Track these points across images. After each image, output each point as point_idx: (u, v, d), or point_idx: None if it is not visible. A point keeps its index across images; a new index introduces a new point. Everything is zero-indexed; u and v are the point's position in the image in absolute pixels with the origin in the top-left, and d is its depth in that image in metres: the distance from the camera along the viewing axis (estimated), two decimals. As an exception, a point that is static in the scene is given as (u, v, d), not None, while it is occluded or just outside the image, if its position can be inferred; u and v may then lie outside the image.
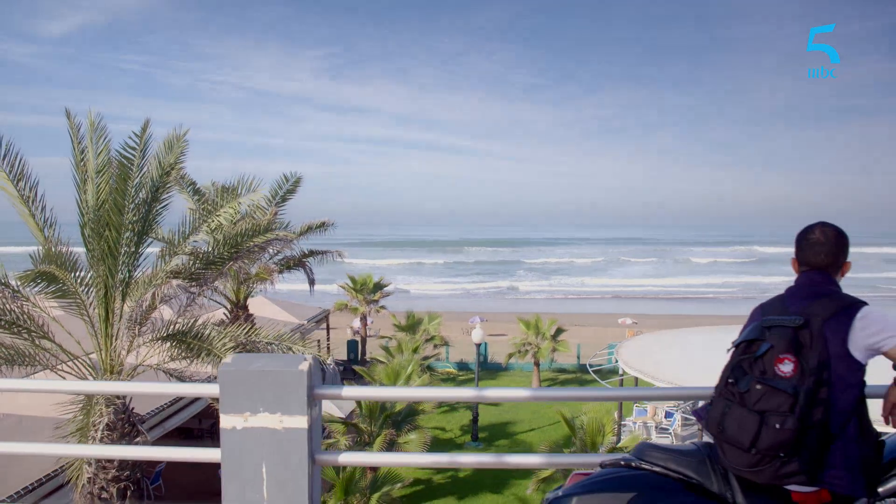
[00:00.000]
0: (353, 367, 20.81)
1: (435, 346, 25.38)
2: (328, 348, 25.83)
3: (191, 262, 9.02)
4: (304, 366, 2.93)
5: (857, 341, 2.27)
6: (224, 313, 13.28)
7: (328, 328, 26.65)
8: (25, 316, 7.96)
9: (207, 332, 8.02)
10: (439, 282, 57.45)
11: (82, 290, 7.82)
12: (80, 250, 8.37)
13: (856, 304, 2.33)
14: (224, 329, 9.87)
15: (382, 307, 28.08)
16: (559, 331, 25.20)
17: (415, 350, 21.45)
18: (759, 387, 2.23)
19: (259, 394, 2.92)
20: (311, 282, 14.97)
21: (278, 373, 2.93)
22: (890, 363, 2.33)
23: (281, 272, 13.72)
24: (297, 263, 13.98)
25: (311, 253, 14.17)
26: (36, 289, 7.48)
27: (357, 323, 28.89)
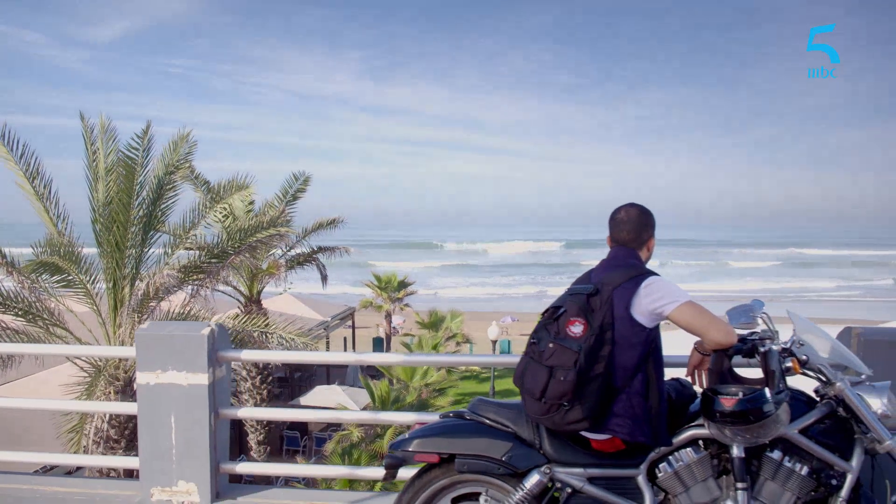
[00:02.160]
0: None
1: (457, 344, 25.79)
2: (353, 345, 26.45)
3: (196, 256, 9.65)
4: (206, 331, 3.40)
5: (641, 306, 2.63)
6: (238, 308, 13.93)
7: (353, 325, 27.27)
8: (39, 304, 8.65)
9: (197, 321, 8.62)
10: (475, 283, 57.66)
11: (87, 281, 8.43)
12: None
13: (644, 274, 2.69)
14: (229, 320, 10.50)
15: (406, 305, 28.62)
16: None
17: (434, 347, 21.88)
18: (551, 345, 2.61)
19: (168, 354, 3.41)
20: (324, 277, 15.57)
21: (184, 336, 3.41)
22: None
23: (291, 268, 14.30)
24: (306, 259, 14.55)
25: (321, 249, 14.73)
26: (47, 279, 8.12)
27: (397, 320, 29.51)
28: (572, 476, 2.70)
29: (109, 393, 8.73)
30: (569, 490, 2.70)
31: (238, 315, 11.88)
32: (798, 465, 2.63)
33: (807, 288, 51.99)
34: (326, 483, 9.38)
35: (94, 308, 8.94)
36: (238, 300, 14.26)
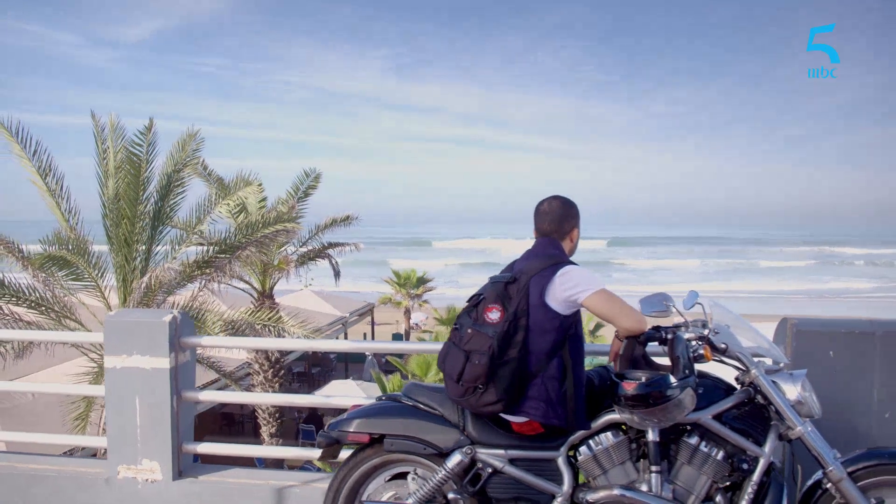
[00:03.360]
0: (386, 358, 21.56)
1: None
2: (373, 340, 26.72)
3: (204, 251, 9.91)
4: (168, 318, 3.59)
5: (556, 294, 2.74)
6: (251, 302, 14.20)
7: (373, 322, 27.56)
8: (52, 297, 8.97)
9: (202, 314, 8.88)
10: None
11: (96, 274, 8.73)
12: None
13: (561, 263, 2.80)
14: (241, 314, 10.76)
15: (425, 301, 28.81)
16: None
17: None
18: (469, 331, 2.75)
19: (133, 339, 3.60)
20: (337, 273, 15.76)
21: (147, 323, 3.60)
22: None
23: (303, 264, 14.53)
24: (317, 255, 14.77)
25: (331, 245, 14.94)
26: (56, 272, 8.42)
27: (420, 316, 29.71)
28: (493, 457, 2.83)
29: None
30: (489, 470, 2.83)
31: (251, 309, 12.15)
32: (714, 450, 2.72)
33: (847, 289, 50.50)
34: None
35: (104, 301, 9.25)
36: (252, 295, 14.52)
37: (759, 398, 2.77)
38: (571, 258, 2.99)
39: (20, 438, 4.16)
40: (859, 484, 2.67)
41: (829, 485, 2.69)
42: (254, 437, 16.69)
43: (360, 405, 3.11)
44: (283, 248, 14.43)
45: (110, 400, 3.66)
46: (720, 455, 2.72)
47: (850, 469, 2.67)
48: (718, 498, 2.75)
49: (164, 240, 9.99)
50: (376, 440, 2.94)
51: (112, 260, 9.46)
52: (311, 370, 23.24)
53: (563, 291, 2.72)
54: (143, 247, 9.53)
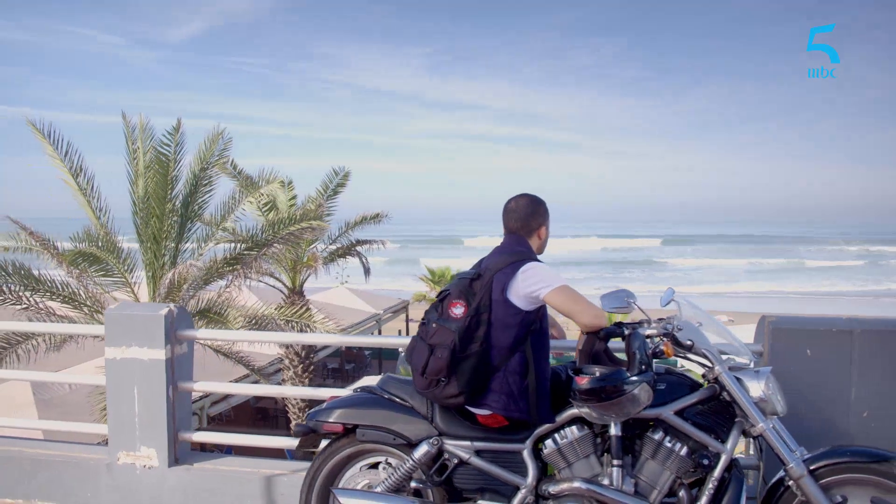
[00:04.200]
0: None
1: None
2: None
3: (230, 248, 10.16)
4: (164, 311, 3.74)
5: (518, 290, 2.81)
6: (282, 298, 14.48)
7: (407, 318, 27.74)
8: (85, 292, 9.31)
9: (224, 309, 9.13)
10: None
11: (125, 270, 9.04)
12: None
13: (524, 260, 2.86)
14: (280, 310, 11.00)
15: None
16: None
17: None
18: (434, 325, 2.83)
19: (132, 332, 3.77)
20: (367, 270, 15.96)
21: (144, 316, 3.76)
22: None
23: (332, 261, 14.75)
24: (346, 252, 14.98)
25: (359, 242, 15.13)
26: (86, 268, 8.74)
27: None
28: (460, 448, 2.90)
29: None
30: (456, 461, 2.91)
31: (279, 305, 12.41)
32: (677, 446, 2.75)
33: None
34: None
35: (134, 296, 9.55)
36: (282, 291, 14.80)
37: (725, 395, 2.79)
38: (540, 255, 3.06)
39: (23, 425, 4.37)
40: (823, 482, 2.67)
41: (790, 482, 2.70)
42: (286, 430, 17.00)
43: (337, 396, 3.22)
44: (312, 246, 14.67)
45: (111, 389, 3.83)
46: (683, 451, 2.74)
47: (812, 467, 2.67)
48: (682, 493, 2.77)
49: (192, 237, 10.28)
50: (350, 430, 3.04)
51: (142, 256, 9.77)
52: (344, 366, 23.54)
53: (524, 287, 2.79)
54: (172, 243, 9.82)
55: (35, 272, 8.91)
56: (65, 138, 9.25)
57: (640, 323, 2.88)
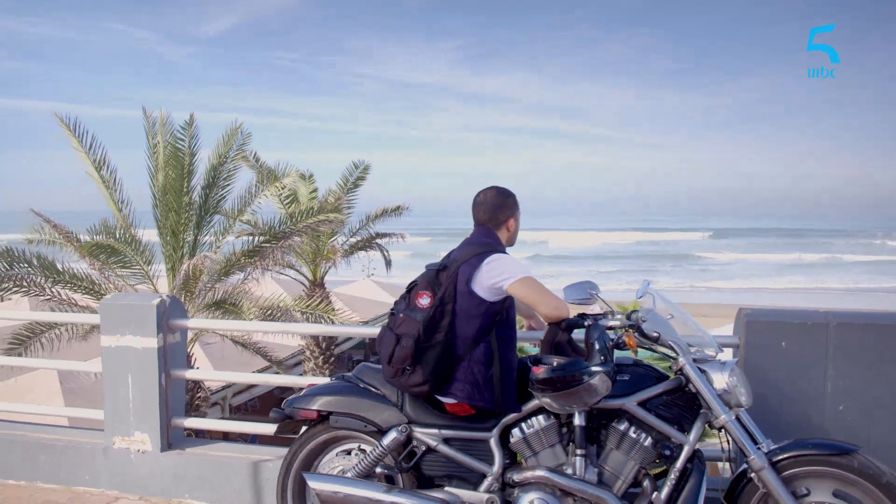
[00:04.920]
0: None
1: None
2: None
3: (247, 241, 10.34)
4: (156, 301, 3.86)
5: (482, 281, 2.85)
6: (303, 290, 14.67)
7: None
8: (107, 284, 9.55)
9: (238, 300, 9.31)
10: (578, 270, 56.51)
11: (142, 262, 9.25)
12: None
13: (489, 252, 2.91)
14: (296, 302, 11.17)
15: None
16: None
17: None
18: (401, 315, 2.90)
19: (126, 321, 3.90)
20: (388, 262, 16.10)
21: (137, 305, 3.88)
22: None
23: (352, 253, 14.90)
24: (366, 245, 15.11)
25: (379, 235, 15.26)
26: (104, 260, 8.97)
27: None
28: (428, 436, 2.97)
29: None
30: (424, 448, 2.97)
31: (300, 297, 12.59)
32: (642, 436, 2.78)
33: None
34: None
35: (154, 288, 9.77)
36: (303, 283, 15.00)
37: (691, 387, 2.81)
38: (510, 247, 3.10)
39: (25, 410, 4.54)
40: (785, 474, 2.67)
41: (752, 474, 2.71)
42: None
43: (314, 384, 3.30)
44: (333, 238, 14.84)
45: (107, 377, 3.97)
46: (648, 441, 2.77)
47: (774, 459, 2.68)
48: (646, 483, 2.80)
49: (211, 229, 10.47)
50: (325, 417, 3.12)
51: (161, 249, 10.00)
52: (369, 357, 23.77)
53: (489, 279, 2.83)
54: (190, 236, 10.01)
55: (59, 265, 9.17)
56: (89, 132, 9.49)
57: (604, 314, 2.90)
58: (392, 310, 3.00)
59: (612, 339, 2.81)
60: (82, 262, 9.42)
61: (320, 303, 11.12)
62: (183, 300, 9.16)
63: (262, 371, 12.69)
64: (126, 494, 3.97)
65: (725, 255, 67.30)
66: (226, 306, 9.20)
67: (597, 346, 2.68)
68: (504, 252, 2.96)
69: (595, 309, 2.97)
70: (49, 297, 8.95)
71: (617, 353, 2.98)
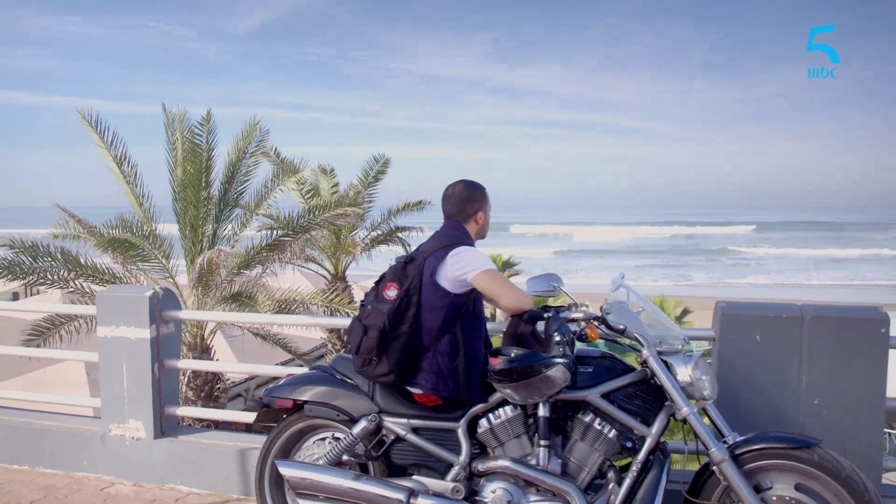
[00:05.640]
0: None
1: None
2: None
3: (265, 235, 10.50)
4: (149, 293, 3.98)
5: (447, 273, 2.90)
6: (325, 283, 14.85)
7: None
8: (129, 277, 9.79)
9: (254, 292, 9.48)
10: (613, 264, 56.04)
11: (160, 255, 9.46)
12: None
13: (455, 244, 2.95)
14: (313, 295, 11.32)
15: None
16: (685, 312, 24.99)
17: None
18: (369, 307, 2.96)
19: (121, 312, 4.02)
20: (409, 257, 16.18)
21: (131, 297, 4.01)
22: None
23: (372, 247, 15.02)
24: (386, 238, 15.22)
25: (399, 229, 15.36)
26: (122, 253, 9.19)
27: None
28: (397, 425, 3.02)
29: (188, 353, 9.90)
30: (393, 437, 3.03)
31: (322, 290, 12.75)
32: (606, 428, 2.80)
33: None
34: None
35: (174, 281, 9.99)
36: (326, 277, 15.18)
37: (656, 379, 2.82)
38: (479, 240, 3.14)
39: (26, 398, 4.71)
40: (748, 467, 2.67)
41: (714, 467, 2.71)
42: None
43: (292, 374, 3.39)
44: (354, 232, 14.98)
45: (103, 366, 4.10)
46: (612, 433, 2.78)
47: (737, 452, 2.67)
48: (610, 474, 2.82)
49: (230, 223, 10.65)
50: (300, 406, 3.20)
51: (181, 242, 10.21)
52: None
53: (453, 271, 2.88)
54: (209, 230, 10.21)
55: (82, 258, 9.42)
56: (110, 128, 9.73)
57: (568, 307, 2.93)
58: (362, 301, 3.06)
59: (575, 331, 2.83)
60: (105, 256, 9.68)
61: (337, 296, 11.25)
62: (200, 292, 9.37)
63: (284, 364, 12.91)
64: (121, 480, 4.11)
65: (763, 250, 66.17)
66: (242, 299, 9.37)
67: (556, 338, 2.71)
68: (471, 245, 3.00)
69: (559, 301, 2.99)
70: (72, 289, 9.22)
71: (587, 347, 3.01)
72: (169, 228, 10.39)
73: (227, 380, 11.36)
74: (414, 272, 2.91)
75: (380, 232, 15.45)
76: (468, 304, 2.94)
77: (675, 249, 67.48)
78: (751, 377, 3.25)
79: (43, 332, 8.83)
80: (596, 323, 2.87)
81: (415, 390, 2.97)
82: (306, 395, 3.17)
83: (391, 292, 2.91)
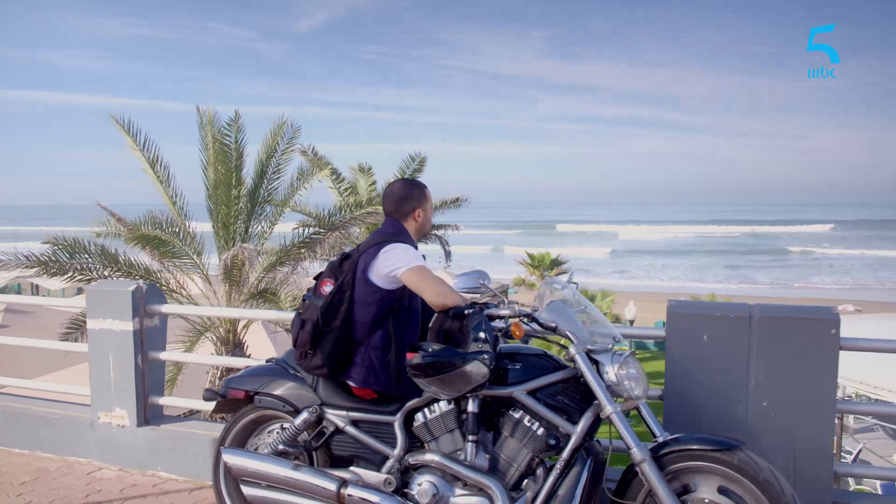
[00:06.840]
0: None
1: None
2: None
3: (302, 231, 10.73)
4: (132, 288, 4.17)
5: (378, 270, 2.96)
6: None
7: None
8: (163, 273, 10.16)
9: (277, 289, 9.73)
10: (673, 263, 54.90)
11: (191, 252, 9.79)
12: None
13: (388, 241, 3.01)
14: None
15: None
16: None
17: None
18: (306, 302, 3.06)
19: (107, 305, 4.22)
20: (448, 254, 16.28)
21: (116, 292, 4.21)
22: None
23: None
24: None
25: (435, 226, 15.43)
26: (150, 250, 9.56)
27: None
28: (337, 417, 3.11)
29: (220, 348, 10.20)
30: (332, 428, 3.11)
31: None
32: (535, 425, 2.82)
33: None
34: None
35: (206, 278, 10.33)
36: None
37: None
38: (421, 237, 3.19)
39: (24, 385, 4.98)
40: (671, 468, 2.65)
41: (637, 467, 2.70)
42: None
43: (250, 366, 3.51)
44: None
45: (92, 356, 4.32)
46: (540, 430, 2.80)
47: (659, 453, 2.66)
48: (539, 471, 2.83)
49: (260, 221, 10.93)
50: (252, 397, 3.31)
51: (214, 239, 10.54)
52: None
53: (384, 267, 2.94)
54: (241, 227, 10.50)
55: (120, 256, 9.82)
56: (142, 131, 10.10)
57: (496, 304, 2.95)
58: (304, 296, 3.15)
59: (501, 328, 2.85)
60: (143, 253, 10.07)
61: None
62: (229, 288, 9.66)
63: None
64: (108, 465, 4.32)
65: (835, 251, 63.70)
66: (266, 295, 9.62)
67: (475, 334, 2.74)
68: (409, 242, 3.06)
69: (486, 299, 3.02)
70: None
71: (520, 344, 3.03)
72: (204, 226, 10.76)
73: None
74: (348, 269, 2.99)
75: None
76: (402, 300, 3.00)
77: (738, 249, 65.60)
78: (699, 377, 3.21)
79: (81, 325, 9.24)
80: (526, 320, 2.88)
81: (350, 383, 3.05)
82: (257, 386, 3.29)
83: (327, 288, 3.00)
